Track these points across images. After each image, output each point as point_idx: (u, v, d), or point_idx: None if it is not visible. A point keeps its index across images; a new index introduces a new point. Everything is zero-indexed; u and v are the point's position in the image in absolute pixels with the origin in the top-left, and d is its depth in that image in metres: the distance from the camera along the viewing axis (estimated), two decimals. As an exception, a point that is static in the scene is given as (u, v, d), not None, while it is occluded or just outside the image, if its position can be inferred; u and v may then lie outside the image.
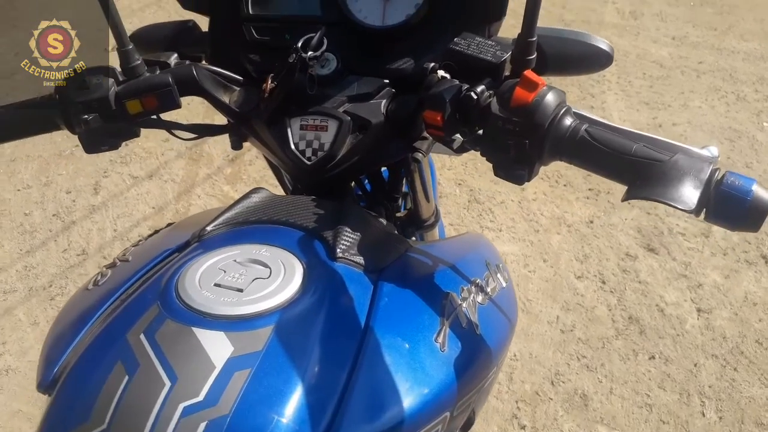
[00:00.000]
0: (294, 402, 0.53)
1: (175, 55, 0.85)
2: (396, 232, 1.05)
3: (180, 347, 0.55)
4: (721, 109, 3.08)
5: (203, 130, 0.92)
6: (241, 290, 0.60)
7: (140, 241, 0.81)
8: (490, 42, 0.74)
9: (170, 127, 0.88)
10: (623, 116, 3.03)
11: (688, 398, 1.86)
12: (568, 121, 0.63)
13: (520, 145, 0.63)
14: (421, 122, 0.73)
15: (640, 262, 2.28)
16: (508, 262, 2.30)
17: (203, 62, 0.95)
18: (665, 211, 2.44)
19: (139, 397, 0.52)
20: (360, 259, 0.68)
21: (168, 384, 0.52)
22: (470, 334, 0.68)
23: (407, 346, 0.62)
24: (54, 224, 2.57)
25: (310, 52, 0.77)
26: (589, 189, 2.59)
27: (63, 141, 2.94)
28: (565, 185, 2.63)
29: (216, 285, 0.60)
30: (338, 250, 0.67)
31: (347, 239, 0.69)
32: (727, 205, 0.55)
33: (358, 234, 0.71)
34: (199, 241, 0.71)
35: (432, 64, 0.77)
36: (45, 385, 0.61)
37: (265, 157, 0.99)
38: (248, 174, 2.75)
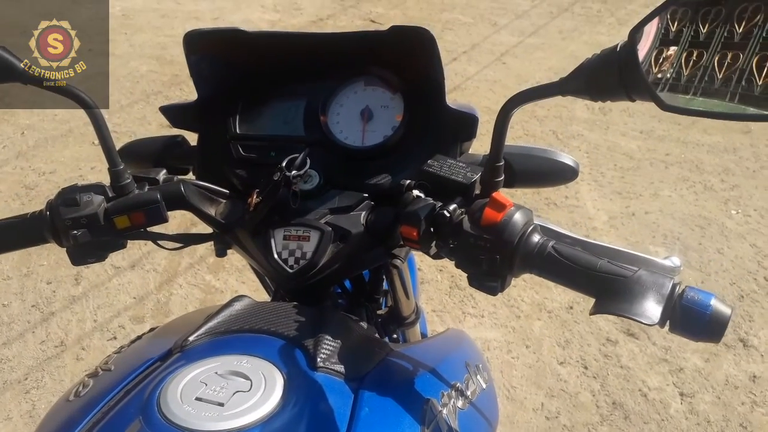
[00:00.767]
0: None
1: (164, 171, 0.89)
2: (377, 332, 1.07)
3: None
4: (691, 198, 3.20)
5: (188, 240, 0.95)
6: (222, 404, 0.60)
7: (123, 347, 0.81)
8: (461, 163, 0.80)
9: (156, 238, 0.90)
10: (597, 206, 3.13)
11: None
12: (535, 238, 0.67)
13: (492, 259, 0.67)
14: (398, 234, 0.77)
15: (621, 347, 2.29)
16: (492, 349, 2.30)
17: (190, 175, 0.99)
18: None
19: None
20: (341, 368, 0.68)
21: None
22: None
23: None
24: (32, 315, 2.53)
25: (294, 171, 0.82)
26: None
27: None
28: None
29: (197, 399, 0.61)
30: (318, 359, 0.68)
31: (328, 347, 0.70)
32: (688, 319, 0.57)
33: (339, 341, 0.71)
34: (181, 351, 0.71)
35: (408, 182, 0.82)
36: None
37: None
38: (231, 263, 2.76)
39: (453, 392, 0.75)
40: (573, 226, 2.95)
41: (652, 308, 0.58)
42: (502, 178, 0.75)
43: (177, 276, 2.72)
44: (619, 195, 3.24)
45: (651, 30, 0.64)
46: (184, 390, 0.62)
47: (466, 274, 0.72)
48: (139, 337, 0.83)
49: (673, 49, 0.65)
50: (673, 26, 0.65)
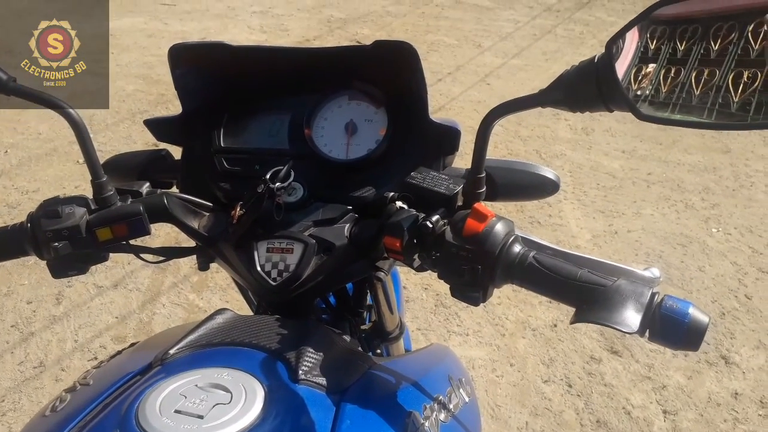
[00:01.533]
0: None
1: (147, 184, 0.88)
2: (360, 347, 1.05)
3: None
4: (672, 217, 3.24)
5: (171, 253, 0.94)
6: (201, 417, 0.59)
7: (102, 362, 0.80)
8: (443, 176, 0.81)
9: (138, 251, 0.90)
10: (580, 224, 3.16)
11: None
12: (517, 248, 0.68)
13: (474, 270, 0.68)
14: (382, 246, 0.78)
15: (605, 365, 2.30)
16: (476, 367, 2.30)
17: (174, 189, 0.99)
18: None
19: None
20: (322, 380, 0.68)
21: None
22: None
23: None
24: (12, 335, 2.49)
25: (278, 183, 0.82)
26: (552, 293, 2.65)
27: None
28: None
29: (176, 411, 0.60)
30: (300, 371, 0.67)
31: (310, 360, 0.69)
32: (667, 327, 0.58)
33: (321, 354, 0.71)
34: (162, 364, 0.70)
35: (391, 194, 0.83)
36: None
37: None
38: (215, 282, 2.75)
39: (435, 405, 0.74)
40: (557, 244, 2.97)
41: (631, 317, 0.58)
42: (484, 189, 0.76)
43: (160, 295, 2.69)
44: (602, 213, 3.27)
45: (630, 44, 0.66)
46: (163, 403, 0.61)
47: (449, 290, 0.72)
48: (119, 352, 0.82)
49: (652, 66, 0.67)
50: (651, 44, 0.67)
